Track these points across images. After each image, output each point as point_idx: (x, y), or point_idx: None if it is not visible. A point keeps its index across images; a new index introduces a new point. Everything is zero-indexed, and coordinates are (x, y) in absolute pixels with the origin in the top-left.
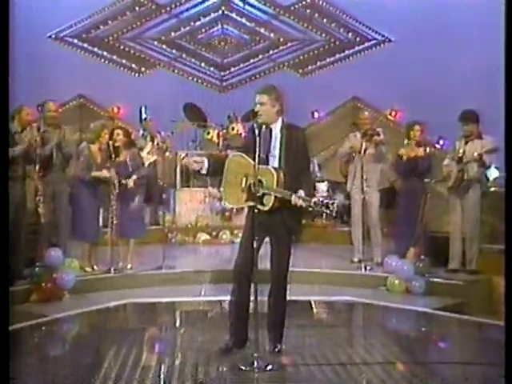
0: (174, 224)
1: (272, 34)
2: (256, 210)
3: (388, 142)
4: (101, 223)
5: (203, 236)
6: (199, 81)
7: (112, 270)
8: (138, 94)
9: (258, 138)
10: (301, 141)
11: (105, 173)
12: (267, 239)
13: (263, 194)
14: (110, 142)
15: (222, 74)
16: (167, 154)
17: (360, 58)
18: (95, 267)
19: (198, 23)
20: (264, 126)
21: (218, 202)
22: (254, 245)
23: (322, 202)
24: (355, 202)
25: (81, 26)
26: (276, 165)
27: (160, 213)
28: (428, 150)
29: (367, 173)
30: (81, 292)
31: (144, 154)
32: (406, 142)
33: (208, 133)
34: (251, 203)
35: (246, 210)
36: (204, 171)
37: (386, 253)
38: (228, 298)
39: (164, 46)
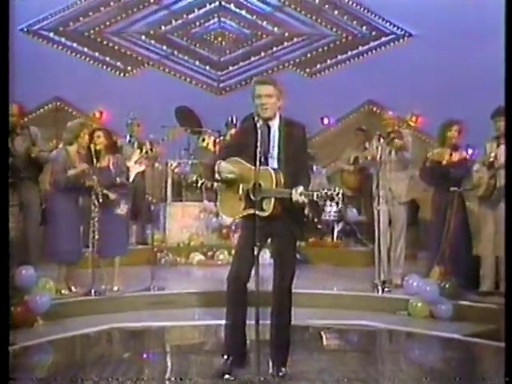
0: (164, 243)
1: (276, 29)
2: (255, 217)
3: (412, 148)
4: (81, 239)
5: (197, 256)
6: (193, 81)
7: (92, 291)
8: (123, 97)
9: (259, 137)
10: (301, 138)
11: (82, 166)
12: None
13: (262, 199)
14: (91, 145)
15: (219, 73)
16: (157, 164)
17: (376, 55)
18: (73, 289)
19: (191, 16)
20: (263, 123)
21: (215, 218)
22: (254, 251)
23: (326, 193)
24: (380, 216)
25: (57, 18)
26: (275, 166)
27: (148, 231)
28: (465, 153)
29: (391, 182)
30: (56, 317)
31: (131, 163)
32: (435, 145)
33: (203, 140)
34: (251, 211)
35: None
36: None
37: (406, 272)
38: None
39: (153, 42)
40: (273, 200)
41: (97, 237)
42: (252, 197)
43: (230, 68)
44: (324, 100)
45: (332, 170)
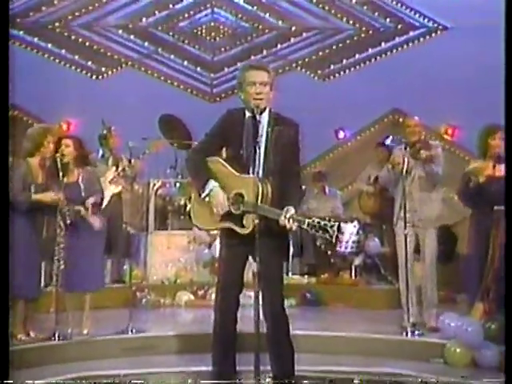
0: (144, 280)
1: (280, 22)
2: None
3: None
4: (42, 270)
5: (185, 296)
6: (181, 86)
7: (56, 335)
8: (96, 104)
9: (245, 133)
10: (293, 140)
11: (50, 195)
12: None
13: (243, 213)
14: (58, 156)
15: (213, 76)
16: (136, 184)
17: (403, 53)
18: (32, 333)
19: (178, 6)
20: (251, 116)
21: (207, 249)
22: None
23: (318, 223)
24: (405, 244)
25: (14, 8)
26: (260, 169)
27: (125, 266)
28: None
29: (418, 203)
30: (11, 368)
31: (105, 183)
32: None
33: None
34: (227, 224)
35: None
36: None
37: (442, 311)
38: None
39: (133, 37)
40: (255, 216)
41: (62, 267)
42: (232, 209)
43: (226, 69)
44: (339, 109)
45: (350, 194)
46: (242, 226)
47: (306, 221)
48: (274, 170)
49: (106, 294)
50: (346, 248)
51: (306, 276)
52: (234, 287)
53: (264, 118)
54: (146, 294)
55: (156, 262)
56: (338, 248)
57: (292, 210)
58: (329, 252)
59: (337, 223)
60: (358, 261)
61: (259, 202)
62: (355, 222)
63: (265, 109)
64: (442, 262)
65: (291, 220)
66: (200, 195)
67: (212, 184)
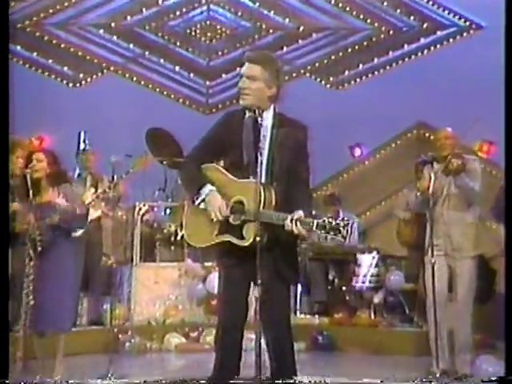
0: (128, 321)
1: (287, 21)
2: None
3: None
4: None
5: (176, 339)
6: (172, 95)
7: None
8: (73, 116)
9: (244, 135)
10: (301, 143)
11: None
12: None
13: (243, 223)
14: (28, 172)
15: (208, 83)
16: (119, 212)
17: (429, 56)
18: None
19: (169, 2)
20: (251, 116)
21: (201, 284)
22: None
23: (330, 223)
24: (432, 274)
25: None
26: (263, 176)
27: (106, 305)
28: None
29: (451, 226)
30: None
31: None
32: None
33: None
34: (226, 237)
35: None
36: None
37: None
38: None
39: (115, 38)
40: (257, 225)
41: (32, 302)
42: (231, 219)
43: (223, 76)
44: (354, 122)
45: (368, 220)
46: (242, 238)
47: (315, 222)
48: (279, 176)
49: (83, 337)
50: (363, 282)
51: (316, 316)
52: (238, 315)
53: (268, 118)
54: (130, 336)
55: (142, 299)
56: (354, 282)
57: (300, 213)
58: (343, 287)
59: (350, 221)
60: (377, 298)
61: (261, 208)
62: (374, 253)
63: (267, 107)
64: (478, 300)
65: (298, 223)
66: (194, 202)
67: (208, 188)
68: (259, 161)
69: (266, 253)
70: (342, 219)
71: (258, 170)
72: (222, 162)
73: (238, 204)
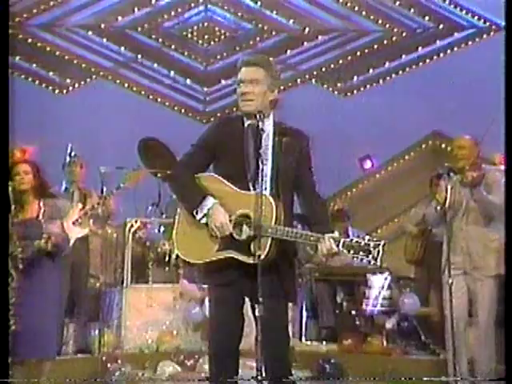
0: (118, 349)
1: (291, 22)
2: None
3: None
4: None
5: (170, 367)
6: (166, 102)
7: None
8: (59, 125)
9: (248, 141)
10: (305, 154)
11: None
12: None
13: (250, 238)
14: (10, 185)
15: (206, 89)
16: (109, 230)
17: (446, 60)
18: None
19: (163, 1)
20: (252, 123)
21: (198, 307)
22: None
23: (357, 243)
24: (450, 294)
25: None
26: (268, 187)
27: (93, 331)
28: None
29: (471, 242)
30: None
31: (68, 223)
32: None
33: None
34: (229, 253)
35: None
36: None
37: None
38: None
39: (105, 41)
40: (269, 241)
41: (14, 327)
42: (234, 234)
43: (222, 82)
44: (364, 132)
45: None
46: (249, 254)
47: (341, 241)
48: (286, 188)
49: (68, 366)
50: (374, 306)
51: (324, 342)
52: (233, 338)
53: (268, 125)
54: (120, 365)
55: (133, 324)
56: (364, 306)
57: (336, 233)
58: (353, 311)
59: (382, 241)
60: (390, 323)
61: (272, 222)
62: (386, 274)
63: (267, 113)
64: (501, 325)
65: (332, 241)
66: (194, 217)
67: (211, 201)
68: (264, 171)
69: (268, 269)
70: (372, 238)
71: (263, 179)
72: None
73: (244, 218)
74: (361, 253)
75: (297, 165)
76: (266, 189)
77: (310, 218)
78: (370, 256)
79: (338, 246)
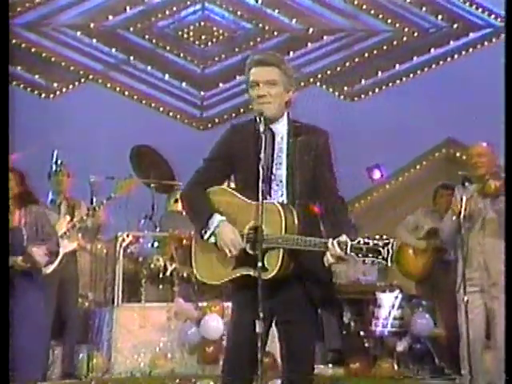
0: (107, 372)
1: (294, 21)
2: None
3: None
4: None
5: None
6: (161, 107)
7: None
8: (45, 131)
9: (258, 149)
10: (323, 151)
11: None
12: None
13: (264, 252)
14: None
15: (203, 94)
16: (99, 245)
17: (460, 61)
18: None
19: (157, 0)
20: (262, 125)
21: (194, 327)
22: (258, 328)
23: (365, 243)
24: (465, 313)
25: None
26: (284, 194)
27: (82, 354)
28: None
29: (489, 256)
30: None
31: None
32: None
33: (176, 201)
34: (245, 271)
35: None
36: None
37: None
38: None
39: (95, 42)
40: (281, 253)
41: None
42: (248, 249)
43: (221, 86)
44: (373, 139)
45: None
46: (264, 269)
47: (349, 244)
48: (303, 192)
49: None
50: (384, 327)
51: (330, 365)
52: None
53: (281, 127)
54: None
55: (124, 346)
56: (373, 327)
57: (344, 237)
58: (361, 332)
59: (391, 240)
60: (402, 345)
61: (282, 232)
62: (396, 292)
63: (282, 114)
64: None
65: (336, 246)
66: (202, 237)
67: (217, 219)
68: (277, 177)
69: (293, 284)
70: (381, 237)
71: (277, 187)
72: (231, 184)
73: (256, 231)
74: (370, 254)
75: (314, 164)
76: (282, 195)
77: (326, 222)
78: (380, 257)
79: (346, 250)
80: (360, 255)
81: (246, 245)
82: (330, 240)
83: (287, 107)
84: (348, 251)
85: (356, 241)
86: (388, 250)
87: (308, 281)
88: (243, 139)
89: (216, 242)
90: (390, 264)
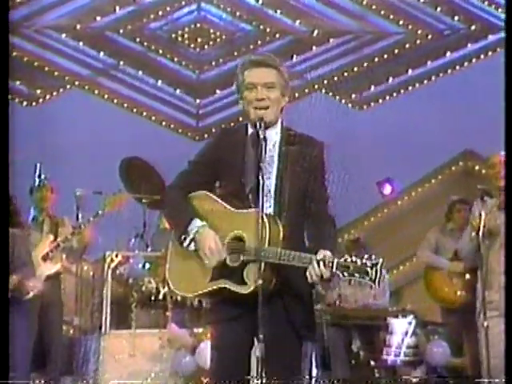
0: None
1: (298, 22)
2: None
3: None
4: None
5: None
6: (153, 116)
7: None
8: (27, 142)
9: (247, 155)
10: (317, 163)
11: None
12: None
13: (244, 264)
14: None
15: (199, 101)
16: (85, 266)
17: (478, 66)
18: None
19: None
20: (253, 131)
21: (189, 356)
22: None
23: (353, 262)
24: (489, 342)
25: None
26: (271, 204)
27: None
28: None
29: None
30: None
31: (37, 259)
32: None
33: None
34: (221, 283)
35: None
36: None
37: None
38: None
39: (81, 45)
40: (262, 266)
41: None
42: (228, 260)
43: (218, 92)
44: (383, 151)
45: (404, 275)
46: (243, 283)
47: (335, 261)
48: (291, 204)
49: None
50: (397, 355)
51: None
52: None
53: (273, 135)
54: None
55: (113, 377)
56: (384, 355)
57: (326, 252)
58: (371, 361)
59: (380, 260)
60: (416, 376)
61: (266, 244)
62: (410, 317)
63: (276, 120)
64: None
65: (321, 264)
66: (182, 244)
67: (197, 224)
68: (265, 186)
69: (273, 301)
70: (369, 257)
71: (265, 197)
72: (217, 191)
73: (237, 241)
74: (356, 274)
75: (305, 177)
76: (270, 206)
77: (311, 238)
78: (368, 277)
79: (331, 267)
80: (346, 274)
81: (226, 255)
82: (314, 257)
83: (281, 113)
84: (334, 269)
85: (343, 258)
86: (376, 271)
87: (289, 300)
88: (231, 144)
89: (196, 250)
90: (376, 286)
